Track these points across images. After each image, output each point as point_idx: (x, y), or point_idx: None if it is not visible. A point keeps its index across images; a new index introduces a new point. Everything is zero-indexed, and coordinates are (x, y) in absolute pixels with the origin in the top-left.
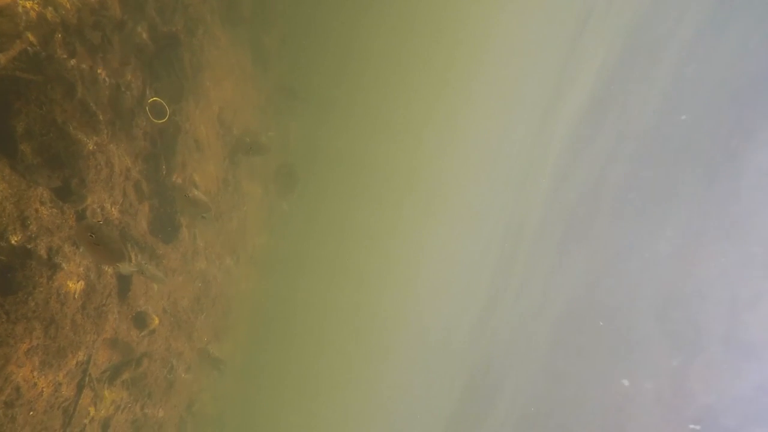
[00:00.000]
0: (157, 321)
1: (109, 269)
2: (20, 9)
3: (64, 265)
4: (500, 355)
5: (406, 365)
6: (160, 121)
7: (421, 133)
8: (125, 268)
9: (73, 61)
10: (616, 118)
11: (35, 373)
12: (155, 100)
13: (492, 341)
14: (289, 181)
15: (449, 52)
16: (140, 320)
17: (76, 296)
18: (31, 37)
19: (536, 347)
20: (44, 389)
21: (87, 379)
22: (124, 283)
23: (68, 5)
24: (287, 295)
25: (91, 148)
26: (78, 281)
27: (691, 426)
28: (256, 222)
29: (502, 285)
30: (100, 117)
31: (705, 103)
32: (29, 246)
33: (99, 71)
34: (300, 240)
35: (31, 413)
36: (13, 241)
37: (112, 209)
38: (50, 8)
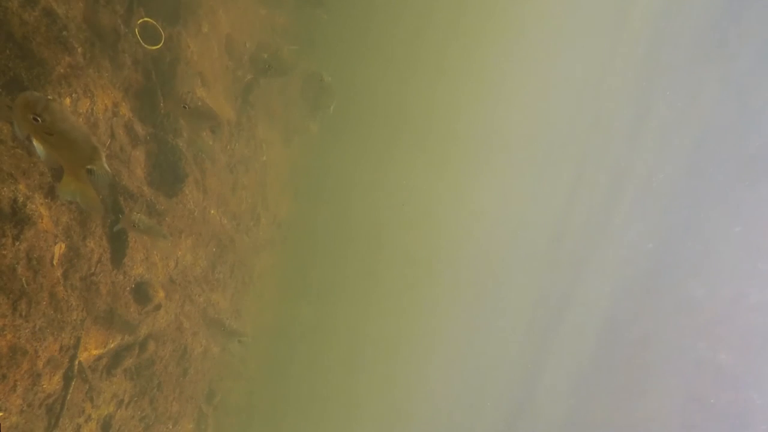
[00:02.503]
0: (162, 294)
1: (97, 227)
2: None
3: (35, 220)
4: None
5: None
6: (154, 48)
7: (472, 53)
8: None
9: None
10: None
11: (2, 363)
12: (146, 20)
13: None
14: (321, 95)
15: None
16: (142, 293)
17: (54, 262)
18: None
19: None
20: (17, 383)
21: (76, 368)
22: (117, 247)
23: None
24: (320, 262)
25: (62, 71)
26: (56, 243)
27: None
28: (277, 176)
29: None
30: (74, 33)
31: None
32: None
33: None
34: (331, 198)
35: (1, 414)
36: None
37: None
38: None
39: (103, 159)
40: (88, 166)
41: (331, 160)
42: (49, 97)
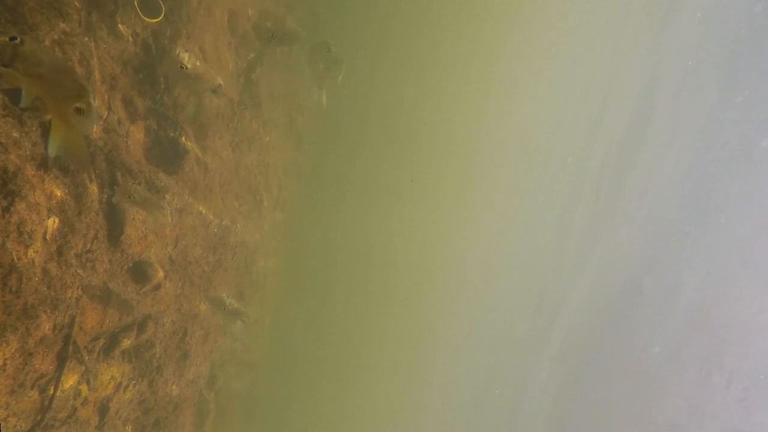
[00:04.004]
0: (161, 274)
1: (93, 202)
2: None
3: (26, 193)
4: None
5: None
6: (154, 21)
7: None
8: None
9: None
10: None
11: None
12: None
13: None
14: (329, 65)
15: None
16: (140, 272)
17: (47, 237)
18: None
19: None
20: (7, 362)
21: (71, 348)
22: (114, 224)
23: None
24: (323, 247)
25: (55, 37)
26: (50, 217)
27: None
28: (281, 157)
29: None
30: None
31: None
32: None
33: None
34: (336, 181)
35: None
36: None
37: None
38: None
39: (91, 94)
40: (77, 105)
41: (337, 141)
42: (17, 38)
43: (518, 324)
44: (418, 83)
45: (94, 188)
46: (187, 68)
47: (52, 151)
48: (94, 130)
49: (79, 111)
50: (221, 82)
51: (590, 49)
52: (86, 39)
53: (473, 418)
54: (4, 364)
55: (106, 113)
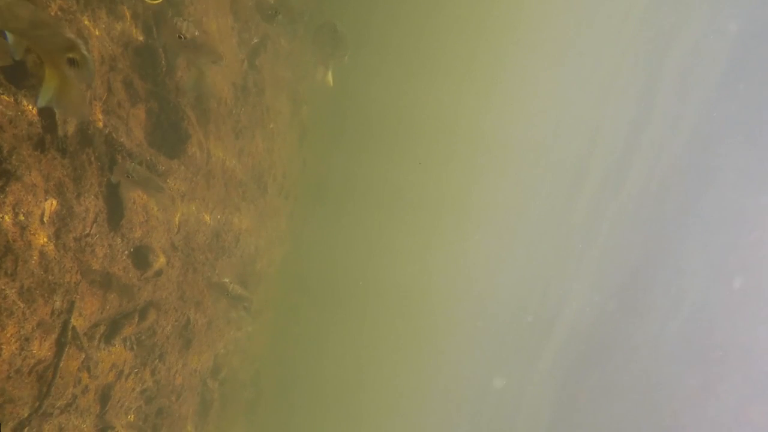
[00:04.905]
0: (163, 259)
1: (92, 185)
2: None
3: (21, 173)
4: None
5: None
6: (155, 3)
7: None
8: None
9: None
10: None
11: None
12: None
13: None
14: (335, 45)
15: None
16: (141, 257)
17: (45, 219)
18: None
19: None
20: (3, 346)
21: (70, 334)
22: (115, 207)
23: None
24: (329, 236)
25: (51, 13)
26: (47, 199)
27: None
28: (285, 145)
29: None
30: None
31: None
32: None
33: None
34: (342, 171)
35: None
36: None
37: (92, 105)
38: None
39: (82, 47)
40: (69, 56)
41: (342, 131)
42: None
43: (518, 324)
44: (425, 70)
45: (93, 171)
46: (185, 38)
47: (41, 101)
48: (94, 111)
49: (72, 62)
50: (220, 56)
51: (591, 50)
52: (84, 17)
53: (475, 411)
54: (0, 349)
55: (105, 95)
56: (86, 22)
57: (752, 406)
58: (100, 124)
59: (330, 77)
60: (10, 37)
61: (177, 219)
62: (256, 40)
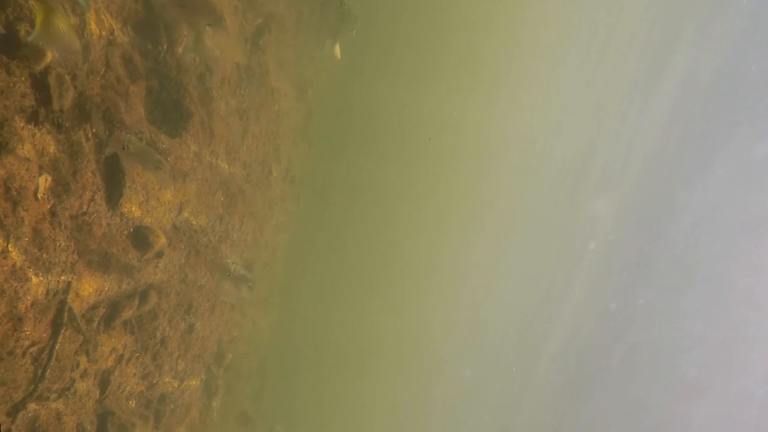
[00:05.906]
0: (164, 240)
1: (90, 162)
2: None
3: (14, 145)
4: None
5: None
6: None
7: None
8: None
9: None
10: None
11: None
12: None
13: None
14: (342, 20)
15: None
16: (141, 238)
17: (39, 196)
18: None
19: None
20: None
21: (66, 315)
22: (113, 185)
23: None
24: (334, 221)
25: None
26: (41, 174)
27: None
28: (290, 128)
29: None
30: None
31: None
32: None
33: None
34: (348, 155)
35: None
36: None
37: (89, 79)
38: None
39: None
40: None
41: (350, 113)
42: None
43: (519, 324)
44: (431, 65)
45: (91, 147)
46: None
47: (35, 37)
48: (93, 85)
49: None
50: (219, 17)
51: (592, 49)
52: None
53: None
54: None
55: (103, 69)
56: None
57: None
58: (98, 99)
59: (338, 50)
60: None
61: (178, 200)
62: (260, 20)
